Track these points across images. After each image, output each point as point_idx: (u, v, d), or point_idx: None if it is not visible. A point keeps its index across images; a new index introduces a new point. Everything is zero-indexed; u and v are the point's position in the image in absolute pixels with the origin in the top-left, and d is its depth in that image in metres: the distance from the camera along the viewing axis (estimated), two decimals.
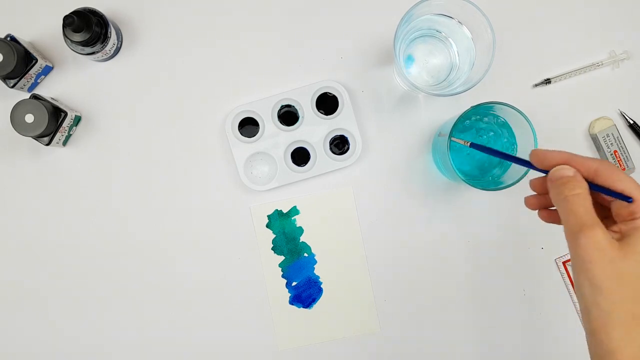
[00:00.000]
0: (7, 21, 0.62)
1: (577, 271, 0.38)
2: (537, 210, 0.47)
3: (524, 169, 0.55)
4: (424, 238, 0.64)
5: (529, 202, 0.47)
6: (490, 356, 0.64)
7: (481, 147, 0.48)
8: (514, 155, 0.44)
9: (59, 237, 0.63)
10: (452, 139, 0.54)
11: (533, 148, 0.51)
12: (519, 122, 0.55)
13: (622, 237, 0.38)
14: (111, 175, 0.63)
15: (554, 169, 0.41)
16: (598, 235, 0.37)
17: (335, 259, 0.64)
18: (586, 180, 0.40)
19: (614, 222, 0.40)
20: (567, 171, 0.40)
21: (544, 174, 0.43)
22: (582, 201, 0.38)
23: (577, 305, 0.64)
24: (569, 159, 0.41)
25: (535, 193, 0.46)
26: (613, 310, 0.36)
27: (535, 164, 0.42)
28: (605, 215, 0.41)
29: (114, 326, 0.64)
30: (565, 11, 0.64)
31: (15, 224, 0.63)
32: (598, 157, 0.64)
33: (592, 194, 0.39)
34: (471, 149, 0.50)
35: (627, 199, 0.38)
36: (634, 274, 0.36)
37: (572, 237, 0.38)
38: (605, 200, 0.41)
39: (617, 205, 0.39)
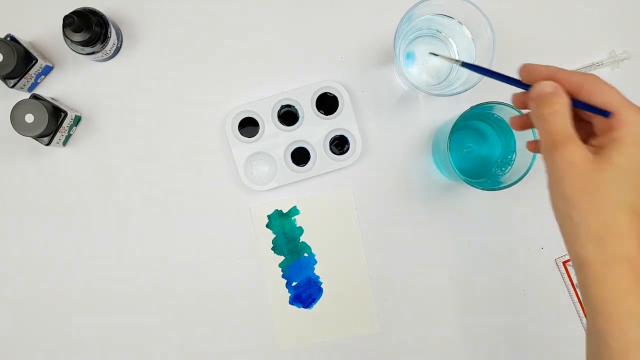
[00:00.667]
0: (7, 21, 0.62)
1: (551, 187, 0.38)
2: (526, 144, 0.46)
3: (524, 169, 0.55)
4: (424, 238, 0.64)
5: (512, 122, 0.45)
6: (490, 356, 0.64)
7: (471, 65, 0.45)
8: (505, 77, 0.42)
9: (59, 237, 0.63)
10: (435, 54, 0.53)
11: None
12: None
13: (598, 149, 0.37)
14: (111, 175, 0.63)
15: (535, 84, 0.39)
16: (571, 150, 0.36)
17: (335, 259, 0.64)
18: (570, 96, 0.38)
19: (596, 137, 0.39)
20: (547, 87, 0.38)
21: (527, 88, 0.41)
22: (558, 119, 0.37)
23: (577, 305, 0.64)
24: (554, 73, 0.39)
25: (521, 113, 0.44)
26: (584, 222, 0.36)
27: (523, 79, 0.40)
28: (592, 131, 0.40)
29: (114, 325, 0.64)
30: (565, 11, 0.64)
31: (15, 224, 0.63)
32: None
33: (577, 111, 0.38)
34: (471, 148, 0.50)
35: (606, 113, 0.37)
36: (607, 184, 0.35)
37: (547, 155, 0.37)
38: (588, 115, 0.39)
39: (597, 120, 0.38)
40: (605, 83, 0.38)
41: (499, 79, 0.42)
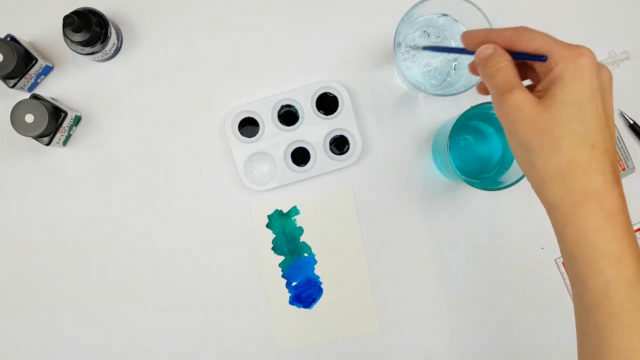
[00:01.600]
0: (7, 21, 0.62)
1: (508, 137, 0.38)
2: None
3: None
4: (424, 238, 0.64)
5: (478, 88, 0.46)
6: (490, 356, 0.64)
7: (432, 47, 0.48)
8: (451, 47, 0.45)
9: (59, 237, 0.63)
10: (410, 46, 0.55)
11: None
12: None
13: (543, 93, 0.37)
14: (111, 175, 0.63)
15: (477, 50, 0.40)
16: (516, 96, 0.37)
17: (335, 259, 0.64)
18: (507, 50, 0.39)
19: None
20: (487, 49, 0.39)
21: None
22: (502, 73, 0.38)
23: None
24: (487, 34, 0.40)
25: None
26: (544, 163, 0.36)
27: (466, 46, 0.42)
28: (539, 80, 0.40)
29: (114, 325, 0.64)
30: (565, 11, 0.64)
31: (15, 224, 0.63)
32: None
33: (523, 66, 0.40)
34: (468, 139, 0.50)
35: (541, 57, 0.37)
36: (556, 122, 0.35)
37: (497, 107, 0.38)
38: (533, 67, 0.40)
39: (539, 66, 0.39)
40: (535, 30, 0.38)
41: (452, 52, 0.44)
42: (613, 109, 0.38)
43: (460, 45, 0.43)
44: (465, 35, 0.41)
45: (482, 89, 0.45)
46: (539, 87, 0.38)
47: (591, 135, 0.35)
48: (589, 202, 0.35)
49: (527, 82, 0.42)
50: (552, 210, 0.37)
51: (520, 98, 0.37)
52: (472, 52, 0.41)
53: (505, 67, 0.38)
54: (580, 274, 0.36)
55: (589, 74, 0.36)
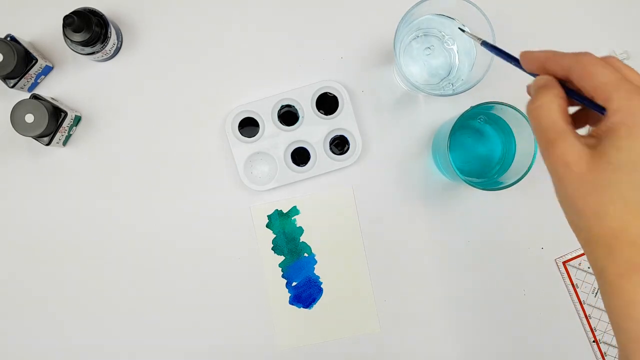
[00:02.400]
0: (7, 21, 0.62)
1: (555, 189, 0.35)
2: None
3: (524, 169, 0.55)
4: (424, 238, 0.64)
5: (528, 110, 0.41)
6: (490, 356, 0.64)
7: (491, 46, 0.43)
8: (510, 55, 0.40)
9: (59, 237, 0.63)
10: (462, 29, 0.53)
11: (533, 139, 0.48)
12: (519, 122, 0.55)
13: (597, 143, 0.33)
14: (111, 175, 0.63)
15: (535, 79, 0.36)
16: (563, 149, 0.33)
17: (335, 259, 0.64)
18: (565, 82, 0.35)
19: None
20: (540, 80, 0.35)
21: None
22: (547, 112, 0.34)
23: (577, 305, 0.64)
24: (546, 60, 0.36)
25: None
26: (590, 228, 0.33)
27: (527, 69, 0.38)
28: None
29: (114, 325, 0.64)
30: (565, 11, 0.64)
31: (15, 224, 0.63)
32: None
33: None
34: (470, 145, 0.50)
35: (601, 109, 0.33)
36: (607, 186, 0.32)
37: (543, 156, 0.34)
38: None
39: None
40: (598, 61, 0.33)
41: (511, 62, 0.39)
42: None
43: (458, 53, 0.43)
44: (525, 57, 0.37)
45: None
46: (593, 132, 0.34)
47: None
48: (637, 274, 0.32)
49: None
50: (598, 276, 0.34)
51: (570, 152, 0.33)
52: (525, 70, 0.38)
53: (549, 105, 0.34)
54: (626, 350, 0.33)
55: None
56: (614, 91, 0.32)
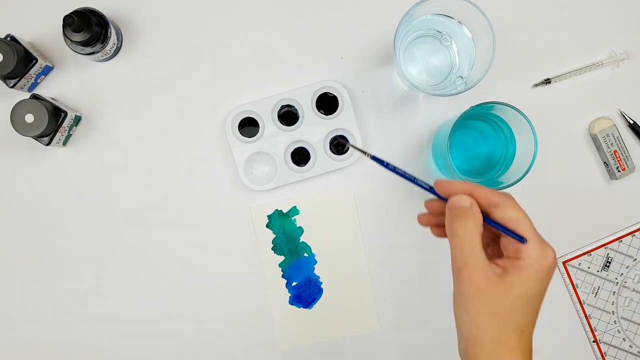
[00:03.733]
0: (7, 21, 0.62)
1: (457, 303, 0.41)
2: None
3: (524, 169, 0.55)
4: (424, 238, 0.64)
5: (420, 220, 0.47)
6: None
7: (381, 161, 0.45)
8: (415, 179, 0.44)
9: (59, 238, 0.63)
10: (353, 146, 0.53)
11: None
12: (518, 122, 0.55)
13: (503, 273, 0.40)
14: (111, 175, 0.63)
15: (454, 197, 0.42)
16: (478, 274, 0.40)
17: (335, 259, 0.64)
18: (484, 212, 0.41)
19: (501, 254, 0.42)
20: (464, 202, 0.41)
21: (442, 199, 0.43)
22: (468, 237, 0.40)
23: (577, 305, 0.64)
24: (471, 190, 0.42)
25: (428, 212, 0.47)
26: (482, 338, 0.40)
27: (441, 193, 0.43)
28: (495, 240, 0.44)
29: (114, 325, 0.64)
30: (565, 11, 0.64)
31: (15, 224, 0.63)
32: (598, 157, 0.64)
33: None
34: (470, 145, 0.50)
35: (522, 239, 0.40)
36: (506, 310, 0.40)
37: (456, 272, 0.41)
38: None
39: (506, 240, 0.41)
40: (520, 208, 0.41)
41: (417, 184, 0.44)
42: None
43: (458, 53, 0.42)
44: (443, 185, 0.43)
45: (424, 222, 0.47)
46: (500, 262, 0.41)
47: (526, 323, 0.41)
48: None
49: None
50: None
51: (482, 277, 0.40)
52: (436, 193, 0.43)
53: (472, 231, 0.40)
54: None
55: (547, 277, 0.40)
56: (530, 238, 0.40)
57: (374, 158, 0.45)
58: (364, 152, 0.45)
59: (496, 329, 0.40)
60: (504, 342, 0.40)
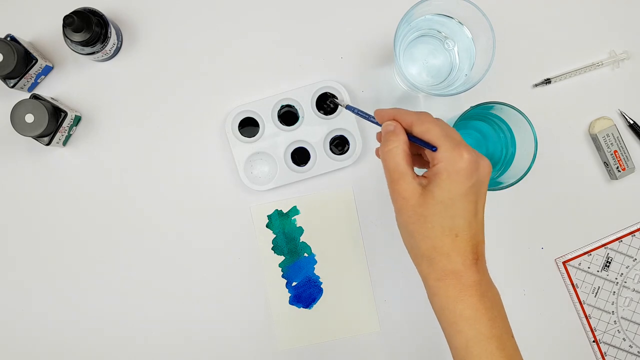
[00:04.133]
0: (7, 21, 0.62)
1: (397, 222, 0.46)
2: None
3: (524, 169, 0.55)
4: None
5: (376, 152, 0.51)
6: None
7: (353, 109, 0.51)
8: (369, 116, 0.49)
9: (59, 238, 0.63)
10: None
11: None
12: (518, 122, 0.56)
13: (427, 183, 0.43)
14: (111, 175, 0.63)
15: (383, 124, 0.46)
16: (403, 186, 0.43)
17: (335, 259, 0.64)
18: (408, 132, 0.45)
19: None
20: (389, 126, 0.45)
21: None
22: (393, 156, 0.44)
23: (577, 305, 0.64)
24: (395, 114, 0.46)
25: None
26: (418, 246, 0.44)
27: (378, 120, 0.47)
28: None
29: (115, 325, 0.64)
30: (565, 11, 0.64)
31: (15, 224, 0.63)
32: (598, 157, 0.64)
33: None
34: (470, 144, 0.50)
35: (432, 147, 0.43)
36: (431, 215, 0.43)
37: (389, 188, 0.45)
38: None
39: (426, 152, 0.44)
40: (432, 120, 0.44)
41: (368, 119, 0.49)
42: (485, 198, 0.45)
43: (458, 53, 0.43)
44: (378, 113, 0.47)
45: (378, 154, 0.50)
46: (426, 174, 0.44)
47: (457, 227, 0.43)
48: (449, 278, 0.44)
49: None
50: (423, 282, 0.46)
51: (408, 189, 0.43)
52: (379, 124, 0.47)
53: (397, 150, 0.44)
54: (446, 334, 0.46)
55: (463, 177, 0.42)
56: (442, 144, 0.43)
57: (348, 107, 0.52)
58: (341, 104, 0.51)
59: (428, 236, 0.43)
60: (438, 247, 0.43)
